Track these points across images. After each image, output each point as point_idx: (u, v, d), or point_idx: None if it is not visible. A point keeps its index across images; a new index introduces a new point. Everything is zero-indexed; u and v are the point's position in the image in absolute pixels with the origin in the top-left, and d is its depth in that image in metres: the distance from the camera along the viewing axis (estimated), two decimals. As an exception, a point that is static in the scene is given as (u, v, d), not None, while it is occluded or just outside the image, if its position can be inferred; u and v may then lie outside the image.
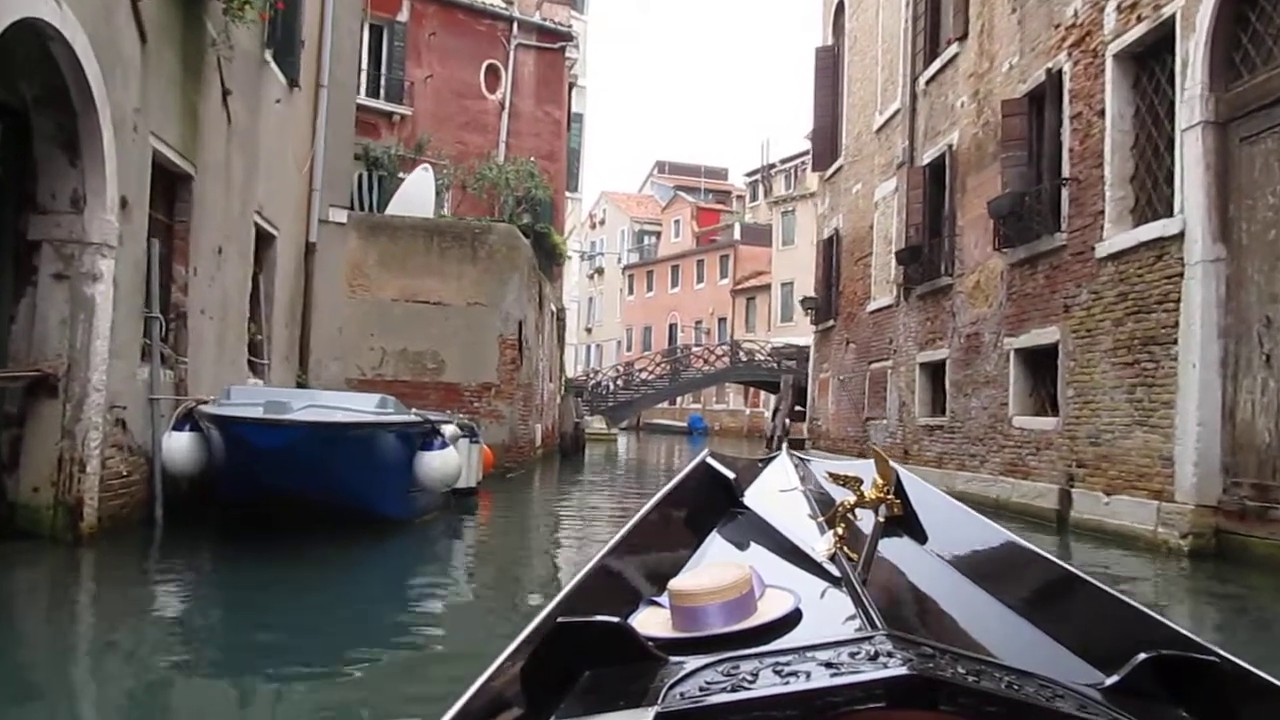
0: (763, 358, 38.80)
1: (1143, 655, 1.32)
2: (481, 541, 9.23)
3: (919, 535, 2.25)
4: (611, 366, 45.48)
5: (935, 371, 14.54)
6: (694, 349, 42.23)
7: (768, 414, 45.79)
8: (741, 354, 39.35)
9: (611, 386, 38.44)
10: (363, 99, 22.30)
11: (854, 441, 18.09)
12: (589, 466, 21.37)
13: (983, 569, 2.05)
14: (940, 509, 2.37)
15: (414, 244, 14.46)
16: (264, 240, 11.76)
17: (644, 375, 38.97)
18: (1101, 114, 10.05)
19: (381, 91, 22.97)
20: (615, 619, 1.36)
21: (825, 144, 21.52)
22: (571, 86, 28.06)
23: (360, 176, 17.95)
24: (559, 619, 1.36)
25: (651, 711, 1.07)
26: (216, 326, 9.71)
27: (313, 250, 13.67)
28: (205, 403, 7.95)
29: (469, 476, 10.46)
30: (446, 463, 8.02)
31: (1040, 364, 11.43)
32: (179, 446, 7.71)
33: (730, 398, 50.11)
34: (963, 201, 13.71)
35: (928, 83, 15.23)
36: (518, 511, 11.66)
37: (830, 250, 20.78)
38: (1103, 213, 9.95)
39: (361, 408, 7.62)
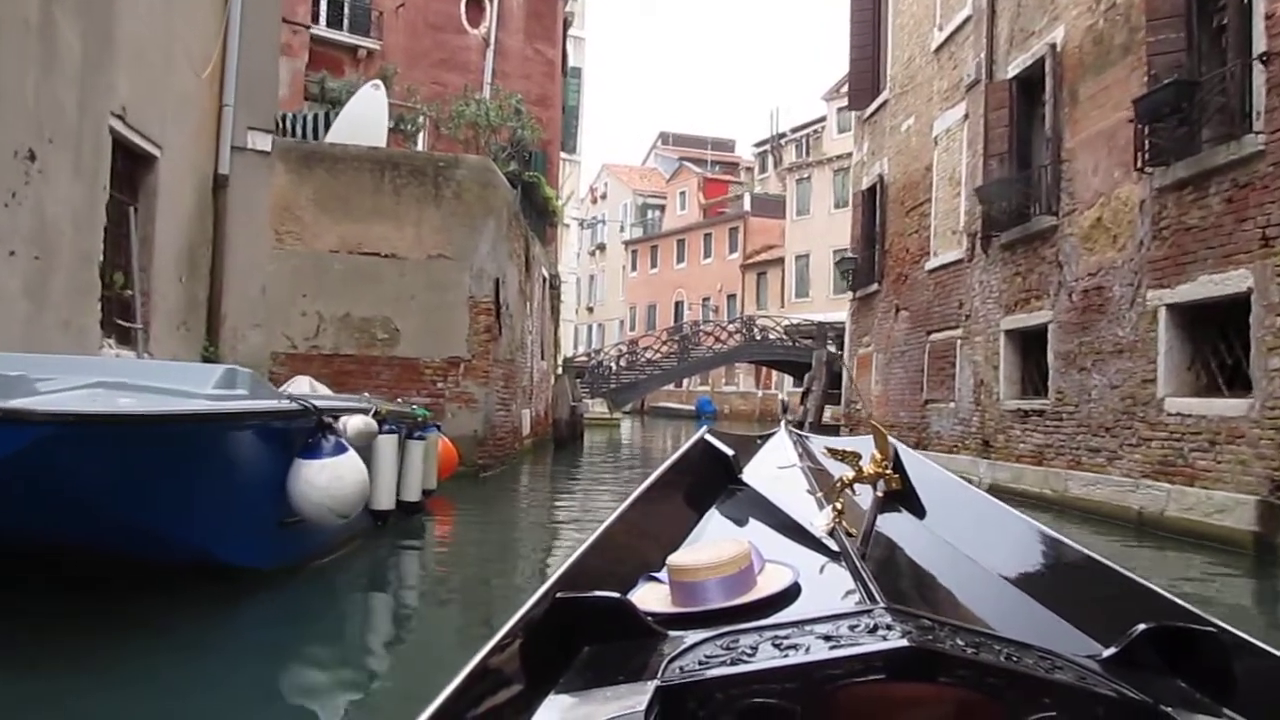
0: (777, 335, 35.57)
1: (1141, 626, 1.30)
2: (412, 596, 5.98)
3: (917, 510, 2.22)
4: (614, 345, 42.10)
5: (1030, 340, 11.33)
6: (704, 326, 38.84)
7: (781, 395, 42.75)
8: (755, 331, 36.04)
9: (614, 367, 35.08)
10: (323, 29, 19.23)
11: (908, 429, 14.88)
12: (588, 459, 18.18)
13: (981, 543, 1.99)
14: (938, 484, 2.34)
15: (360, 180, 11.25)
16: (135, 160, 8.61)
17: (650, 355, 35.59)
18: (1331, -47, 6.84)
19: (345, 21, 19.78)
20: (614, 595, 1.38)
21: (864, 78, 18.25)
22: (567, 25, 24.76)
23: (316, 117, 14.72)
24: (558, 594, 1.36)
25: (651, 685, 1.07)
26: (25, 268, 6.55)
27: (224, 184, 10.52)
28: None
29: (410, 486, 7.30)
30: (341, 476, 4.84)
31: (1210, 323, 8.25)
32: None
33: (740, 379, 46.85)
34: (1072, 116, 10.48)
35: (1014, -26, 11.98)
36: (489, 532, 8.44)
37: (872, 202, 17.55)
38: (1336, 97, 6.75)
39: (186, 388, 4.43)
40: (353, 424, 5.39)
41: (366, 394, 6.42)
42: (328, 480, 4.82)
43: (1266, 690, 1.33)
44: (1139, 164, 8.84)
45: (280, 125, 12.36)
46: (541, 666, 1.24)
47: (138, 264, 8.39)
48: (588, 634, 1.29)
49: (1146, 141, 8.68)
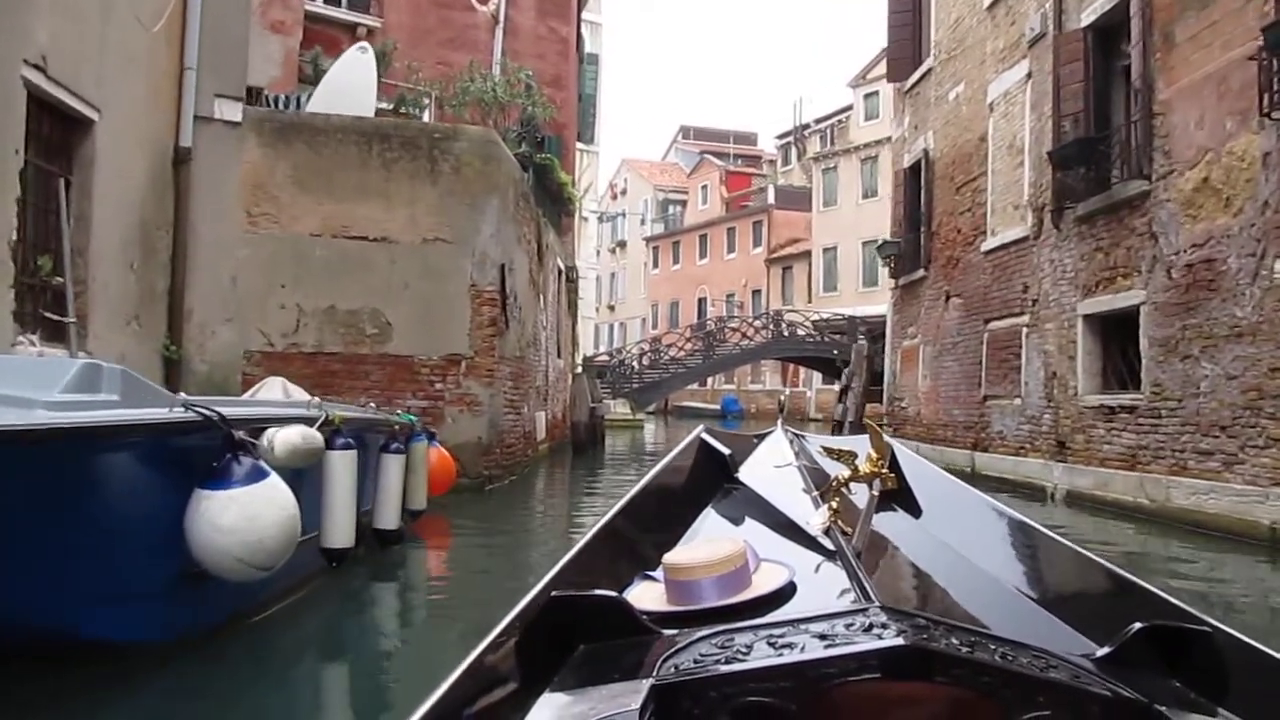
0: (806, 331, 34.06)
1: (1136, 625, 1.28)
2: (368, 665, 4.51)
3: (913, 509, 2.21)
4: (636, 344, 40.65)
5: (1114, 325, 9.83)
6: (729, 323, 37.30)
7: (809, 393, 41.24)
8: (783, 327, 34.51)
9: (636, 366, 33.60)
10: (319, 6, 17.89)
11: (964, 429, 13.40)
12: (610, 465, 16.76)
13: (977, 542, 1.98)
14: (934, 483, 2.33)
15: (345, 154, 9.89)
16: (66, 124, 7.28)
17: (673, 353, 34.08)
18: None
19: (343, -2, 18.50)
20: (610, 593, 1.35)
21: (904, 47, 16.76)
22: (582, 4, 23.35)
23: (310, 96, 13.44)
24: (553, 593, 1.34)
25: (646, 684, 1.05)
26: (-110, 243, 5.21)
27: (186, 158, 9.20)
28: None
29: (385, 511, 5.93)
30: (255, 514, 3.45)
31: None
32: None
33: (766, 377, 45.31)
34: (1167, 62, 8.97)
35: (1086, -92, 10.48)
36: (488, 560, 7.03)
37: (915, 181, 16.05)
38: None
39: (22, 392, 3.04)
40: (282, 438, 3.99)
41: (317, 398, 5.08)
42: (235, 519, 3.43)
43: (1261, 689, 1.30)
44: (1265, 108, 7.34)
45: (272, 107, 11.04)
46: (536, 665, 1.21)
47: (71, 247, 7.04)
48: (583, 632, 1.26)
49: (1275, 80, 7.19)
